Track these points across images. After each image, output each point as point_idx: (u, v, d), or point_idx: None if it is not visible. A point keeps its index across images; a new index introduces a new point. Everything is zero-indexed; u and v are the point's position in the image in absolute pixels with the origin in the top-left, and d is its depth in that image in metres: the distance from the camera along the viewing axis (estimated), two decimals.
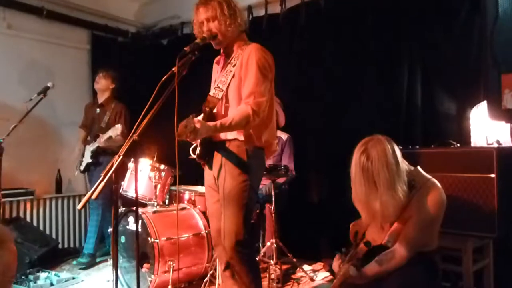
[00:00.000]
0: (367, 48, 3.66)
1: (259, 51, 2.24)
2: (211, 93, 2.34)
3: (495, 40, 2.03)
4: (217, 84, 2.33)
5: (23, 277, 3.34)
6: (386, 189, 1.92)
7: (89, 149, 4.09)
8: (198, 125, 2.00)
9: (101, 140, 3.90)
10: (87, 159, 4.08)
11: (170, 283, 2.98)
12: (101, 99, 4.25)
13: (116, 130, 3.73)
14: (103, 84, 4.20)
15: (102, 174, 2.12)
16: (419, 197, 1.98)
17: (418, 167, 2.11)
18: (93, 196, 2.02)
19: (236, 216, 2.17)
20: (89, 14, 5.09)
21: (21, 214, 4.24)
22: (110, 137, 3.78)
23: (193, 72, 2.41)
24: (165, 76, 2.37)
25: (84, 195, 3.92)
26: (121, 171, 3.47)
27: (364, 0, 3.69)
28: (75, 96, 4.77)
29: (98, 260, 4.10)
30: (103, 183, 2.07)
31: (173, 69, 2.38)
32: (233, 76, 2.27)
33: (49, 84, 3.63)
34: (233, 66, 2.29)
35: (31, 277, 3.32)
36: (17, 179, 4.24)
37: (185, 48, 2.38)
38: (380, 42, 3.58)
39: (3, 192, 3.24)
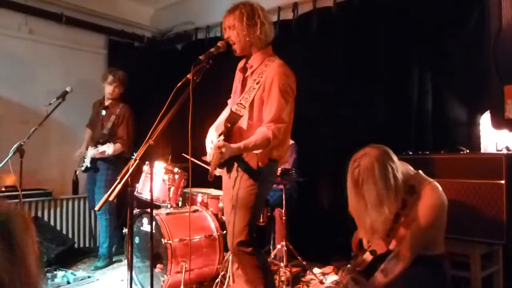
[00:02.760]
0: (378, 54, 3.70)
1: (282, 75, 2.28)
2: (233, 109, 2.41)
3: (499, 51, 2.06)
4: (240, 101, 2.39)
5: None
6: (373, 205, 1.95)
7: (90, 152, 4.08)
8: (224, 150, 2.15)
9: (96, 153, 3.95)
10: (87, 162, 4.10)
11: (182, 284, 3.06)
12: (107, 101, 4.29)
13: (109, 149, 3.82)
14: (109, 90, 4.22)
15: (119, 177, 2.20)
16: (419, 201, 2.01)
17: (420, 171, 2.13)
18: (111, 198, 2.11)
19: (241, 218, 2.30)
20: (106, 19, 5.23)
21: (39, 214, 4.37)
22: (103, 152, 3.87)
23: (209, 78, 2.48)
24: (180, 83, 2.46)
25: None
26: (136, 173, 3.58)
27: (375, 8, 3.73)
28: (91, 99, 4.87)
29: (114, 260, 4.19)
30: (120, 186, 2.16)
31: (188, 76, 2.47)
32: (255, 95, 2.33)
33: (67, 89, 3.74)
34: (257, 83, 2.34)
35: (48, 275, 3.43)
36: (36, 180, 4.37)
37: (200, 57, 2.46)
38: (391, 49, 3.62)
39: (22, 192, 3.34)
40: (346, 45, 3.91)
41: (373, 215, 1.96)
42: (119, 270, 3.86)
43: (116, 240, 4.31)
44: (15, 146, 3.31)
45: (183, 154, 3.02)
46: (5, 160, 3.25)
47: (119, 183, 2.16)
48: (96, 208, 2.24)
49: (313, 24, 4.12)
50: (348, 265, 2.23)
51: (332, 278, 3.54)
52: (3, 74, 4.34)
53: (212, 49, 2.46)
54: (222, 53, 2.51)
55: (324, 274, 3.64)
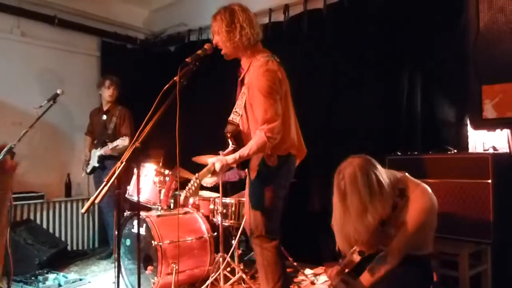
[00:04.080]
0: (367, 56, 3.71)
1: (261, 76, 2.31)
2: (230, 118, 2.48)
3: (477, 53, 2.09)
4: (235, 108, 2.47)
5: (32, 277, 3.45)
6: (356, 215, 1.96)
7: (96, 153, 4.28)
8: (217, 166, 2.27)
9: (108, 148, 4.11)
10: (94, 162, 4.28)
11: (172, 285, 3.07)
12: (106, 105, 4.46)
13: (124, 142, 3.96)
14: (109, 93, 4.39)
15: (105, 179, 2.22)
16: (410, 204, 2.03)
17: (406, 174, 2.15)
18: (97, 201, 2.12)
19: (257, 215, 2.40)
20: (99, 22, 5.24)
21: (32, 217, 4.37)
22: (116, 147, 4.01)
23: (199, 80, 2.51)
24: (167, 85, 2.48)
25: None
26: (127, 176, 3.60)
27: (365, 9, 3.74)
28: (85, 101, 4.89)
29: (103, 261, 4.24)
30: (106, 188, 2.17)
31: (175, 78, 2.49)
32: (246, 101, 2.40)
33: (58, 91, 3.75)
34: (246, 88, 2.41)
35: (40, 278, 3.43)
36: (28, 182, 4.37)
37: (186, 59, 2.49)
38: (380, 50, 3.63)
39: (14, 195, 3.35)
40: (336, 47, 3.93)
41: (357, 224, 1.98)
42: (111, 272, 3.87)
43: (109, 242, 4.34)
44: (6, 148, 3.31)
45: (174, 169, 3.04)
46: None
47: (105, 184, 2.17)
48: (83, 211, 2.26)
49: (304, 25, 4.14)
50: (336, 266, 2.24)
51: (323, 278, 3.55)
52: None
53: (199, 52, 2.50)
54: (211, 55, 2.54)
55: (315, 274, 3.65)
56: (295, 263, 3.51)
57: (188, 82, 2.57)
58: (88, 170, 4.34)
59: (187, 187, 2.34)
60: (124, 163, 2.20)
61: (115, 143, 4.08)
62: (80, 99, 4.86)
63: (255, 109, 2.35)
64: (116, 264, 2.25)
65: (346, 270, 2.19)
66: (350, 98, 3.82)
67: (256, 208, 2.43)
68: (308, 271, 3.68)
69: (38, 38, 4.75)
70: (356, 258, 2.14)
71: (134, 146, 2.24)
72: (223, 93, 3.30)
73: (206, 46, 2.53)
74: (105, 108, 4.45)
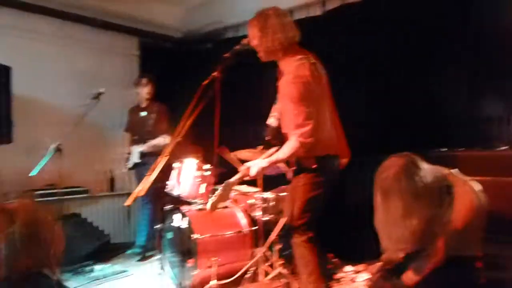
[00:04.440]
0: (410, 48, 3.61)
1: (290, 83, 2.35)
2: (268, 121, 2.60)
3: None
4: (273, 111, 2.58)
5: (79, 268, 3.61)
6: (400, 218, 1.89)
7: (137, 149, 4.39)
8: (253, 172, 2.41)
9: (149, 146, 4.29)
10: (135, 158, 4.40)
11: (212, 278, 3.11)
12: (144, 103, 4.57)
13: (164, 140, 4.14)
14: (146, 90, 4.50)
15: (148, 174, 2.28)
16: (456, 202, 1.95)
17: (455, 170, 2.07)
18: (141, 194, 2.18)
19: (293, 210, 2.46)
20: (138, 22, 5.36)
21: (77, 211, 4.54)
22: (156, 145, 4.18)
23: (238, 76, 2.56)
24: (206, 81, 2.52)
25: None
26: (167, 170, 3.68)
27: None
28: (125, 100, 5.03)
29: (149, 253, 4.32)
30: (149, 181, 2.23)
31: (213, 74, 2.54)
32: (280, 105, 2.50)
33: (101, 90, 3.89)
34: (279, 93, 2.48)
35: (86, 269, 3.58)
36: (73, 178, 4.54)
37: (225, 55, 2.54)
38: (423, 43, 3.52)
39: (62, 190, 3.51)
40: (373, 41, 3.84)
41: (400, 227, 1.92)
42: (154, 264, 3.96)
43: (151, 235, 4.43)
44: (53, 146, 3.47)
45: (219, 148, 3.08)
46: (45, 160, 3.42)
47: (148, 178, 2.24)
48: (127, 203, 2.33)
49: (342, 19, 4.07)
50: (378, 263, 2.20)
51: (364, 276, 3.49)
52: (40, 77, 4.54)
53: (237, 47, 2.53)
54: (249, 51, 2.57)
55: (356, 272, 3.59)
56: (335, 260, 3.47)
57: (227, 77, 2.61)
58: (130, 166, 4.46)
59: (213, 195, 2.44)
60: (166, 157, 2.26)
61: (155, 141, 4.26)
62: (121, 98, 4.99)
63: (287, 115, 2.40)
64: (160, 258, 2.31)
65: (388, 268, 2.15)
66: (391, 92, 3.73)
67: (293, 204, 2.48)
68: (348, 268, 3.62)
69: (80, 40, 4.92)
70: (399, 255, 2.09)
71: (176, 140, 2.29)
72: (263, 88, 3.31)
73: (244, 41, 2.56)
74: (143, 106, 4.56)
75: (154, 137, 4.38)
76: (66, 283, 3.39)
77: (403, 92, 3.69)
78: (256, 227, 3.43)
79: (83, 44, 4.95)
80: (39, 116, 4.44)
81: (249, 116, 4.20)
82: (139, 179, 4.39)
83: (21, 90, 4.08)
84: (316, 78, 2.41)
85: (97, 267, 3.67)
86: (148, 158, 4.32)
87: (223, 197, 2.50)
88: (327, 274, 2.52)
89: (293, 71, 2.37)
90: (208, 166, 3.64)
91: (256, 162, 2.45)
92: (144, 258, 4.25)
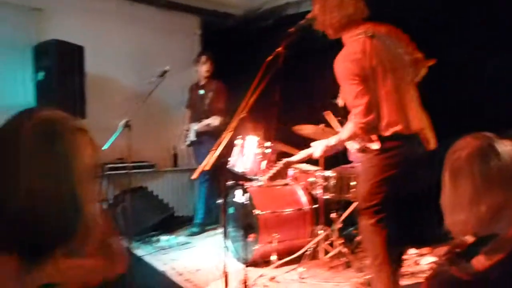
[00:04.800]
0: (479, 23, 3.34)
1: (339, 62, 2.29)
2: (337, 101, 2.58)
3: None
4: (339, 92, 2.53)
5: (146, 238, 3.82)
6: (468, 204, 1.76)
7: (194, 127, 4.50)
8: (317, 153, 2.44)
9: (202, 125, 4.38)
10: (192, 136, 4.50)
11: (273, 253, 3.16)
12: (202, 81, 4.61)
13: (215, 121, 4.22)
14: (205, 68, 4.54)
15: (213, 149, 2.33)
16: None
17: None
18: (206, 168, 2.24)
19: (361, 191, 2.42)
20: (200, 1, 5.41)
21: (144, 185, 4.78)
22: (208, 125, 4.28)
23: (303, 52, 2.51)
24: (270, 57, 2.50)
25: (195, 168, 4.32)
26: (229, 146, 3.74)
27: None
28: (187, 78, 5.15)
29: (208, 227, 4.46)
30: (214, 156, 2.28)
31: (278, 49, 2.51)
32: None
33: (166, 68, 3.99)
34: None
35: (153, 239, 3.78)
36: (141, 153, 4.76)
37: (289, 30, 2.50)
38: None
39: (130, 164, 3.69)
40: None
41: (468, 212, 1.82)
42: (216, 238, 4.10)
43: (212, 210, 4.56)
44: (123, 121, 3.64)
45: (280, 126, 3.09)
46: (115, 135, 3.60)
47: (212, 154, 2.29)
48: (193, 177, 2.40)
49: None
50: (447, 246, 2.10)
51: (428, 259, 3.37)
52: (110, 56, 4.75)
53: (302, 21, 2.47)
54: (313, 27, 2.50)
55: (420, 255, 3.48)
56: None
57: (292, 52, 2.57)
58: (187, 143, 4.56)
59: (271, 170, 2.45)
60: (231, 132, 2.28)
61: (206, 121, 4.35)
62: (184, 76, 5.11)
63: (344, 94, 2.37)
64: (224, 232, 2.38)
65: (457, 251, 2.05)
66: (471, 71, 3.49)
67: (361, 185, 2.43)
68: (412, 250, 3.52)
69: (143, 20, 5.06)
70: (469, 239, 1.98)
71: (240, 116, 2.30)
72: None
73: (310, 15, 2.50)
74: (201, 84, 4.61)
75: (210, 116, 4.43)
76: (135, 251, 3.63)
77: (478, 70, 3.44)
78: (317, 205, 3.42)
79: (148, 24, 5.09)
80: (109, 93, 4.67)
81: (314, 92, 4.14)
82: (196, 156, 4.56)
83: (93, 69, 4.31)
84: (368, 53, 2.28)
85: (163, 237, 3.85)
86: (204, 137, 4.40)
87: (280, 174, 2.52)
88: (396, 259, 2.42)
89: (343, 50, 2.32)
90: (269, 143, 3.66)
91: (320, 143, 2.43)
92: (203, 231, 4.39)
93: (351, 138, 2.35)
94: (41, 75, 4.06)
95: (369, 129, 2.27)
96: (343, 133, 2.37)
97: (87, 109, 4.12)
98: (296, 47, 2.58)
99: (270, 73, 2.53)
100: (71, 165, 0.78)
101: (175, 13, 5.30)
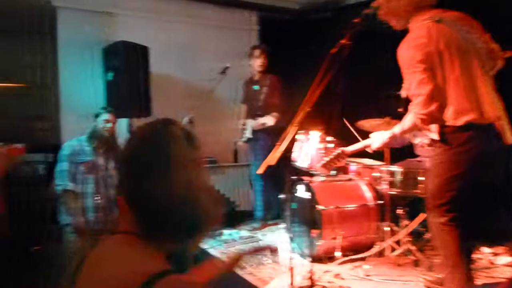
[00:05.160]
0: None
1: (401, 50, 2.21)
2: (400, 92, 2.48)
3: None
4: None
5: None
6: None
7: (249, 124, 4.46)
8: (374, 145, 2.42)
9: (257, 124, 4.31)
10: (248, 133, 4.46)
11: (337, 249, 3.11)
12: (256, 75, 4.51)
13: (269, 121, 4.13)
14: (259, 62, 4.42)
15: (278, 144, 2.33)
16: None
17: None
18: (272, 163, 2.24)
19: (430, 187, 2.32)
20: None
21: None
22: (263, 124, 4.21)
23: (367, 43, 2.44)
24: (334, 49, 2.45)
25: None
26: (291, 141, 3.73)
27: None
28: (246, 74, 5.19)
29: (269, 222, 4.47)
30: (279, 151, 2.27)
31: (342, 41, 2.45)
32: None
33: (227, 65, 4.06)
34: None
35: (216, 232, 3.85)
36: (203, 149, 4.87)
37: (354, 20, 2.43)
38: None
39: None
40: None
41: None
42: (277, 232, 4.11)
43: (272, 204, 4.57)
44: (187, 118, 3.75)
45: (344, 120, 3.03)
46: None
47: (278, 148, 2.28)
48: (259, 171, 2.41)
49: None
50: None
51: (504, 259, 3.16)
52: (172, 55, 4.90)
53: (367, 10, 2.39)
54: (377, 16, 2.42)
55: (495, 254, 3.27)
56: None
57: (356, 44, 2.50)
58: (244, 139, 4.53)
59: (327, 157, 2.40)
60: (296, 126, 2.27)
61: (261, 120, 4.26)
62: (243, 72, 5.15)
63: (405, 84, 2.28)
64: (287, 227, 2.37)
65: None
66: None
67: (431, 181, 2.32)
68: (486, 249, 3.32)
69: (202, 18, 5.17)
70: None
71: (305, 111, 2.28)
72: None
73: (375, 4, 2.41)
74: (255, 78, 4.52)
75: (265, 112, 4.35)
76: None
77: None
78: (382, 201, 3.32)
79: (208, 22, 5.20)
80: (172, 91, 4.82)
81: (378, 85, 4.01)
82: (252, 154, 4.54)
83: (157, 68, 4.47)
84: (443, 36, 2.16)
85: (226, 231, 3.92)
86: (260, 134, 4.36)
87: (334, 162, 2.51)
88: (468, 258, 2.29)
89: (408, 35, 2.22)
90: (331, 138, 3.60)
91: (378, 135, 2.38)
92: (265, 226, 4.41)
93: (410, 129, 2.27)
94: (110, 75, 4.28)
95: (430, 120, 2.17)
96: (402, 125, 2.28)
97: (153, 106, 4.28)
98: (361, 37, 2.51)
99: (335, 65, 2.47)
100: (200, 161, 0.95)
101: (233, 10, 5.37)
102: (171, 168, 0.86)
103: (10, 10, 4.37)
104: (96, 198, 3.20)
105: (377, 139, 2.40)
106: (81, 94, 4.34)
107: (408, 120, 2.23)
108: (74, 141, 3.35)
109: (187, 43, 5.05)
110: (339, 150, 2.55)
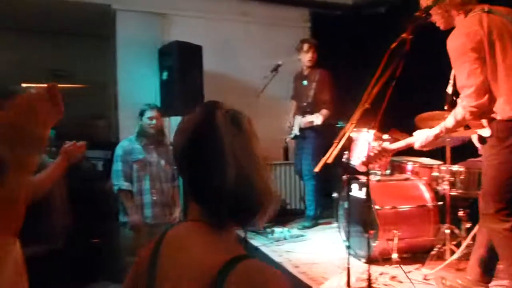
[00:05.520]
0: None
1: (450, 40, 2.14)
2: (447, 89, 2.40)
3: None
4: (451, 79, 2.36)
5: (261, 229, 3.91)
6: None
7: (298, 121, 4.37)
8: (417, 145, 2.35)
9: (305, 122, 4.21)
10: (296, 130, 4.37)
11: (393, 251, 3.01)
12: (305, 70, 4.41)
13: (318, 119, 4.03)
14: (308, 57, 4.31)
15: (336, 141, 2.28)
16: None
17: None
18: (329, 161, 2.21)
19: (485, 190, 2.21)
20: None
21: None
22: (312, 122, 4.11)
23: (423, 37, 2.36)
24: (395, 43, 2.38)
25: None
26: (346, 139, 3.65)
27: None
28: (298, 71, 5.15)
29: (320, 221, 4.42)
30: (337, 149, 2.23)
31: (403, 35, 2.37)
32: None
33: (279, 62, 4.04)
34: None
35: (268, 230, 3.86)
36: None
37: (416, 13, 2.36)
38: None
39: None
40: None
41: None
42: (329, 232, 4.05)
43: (322, 203, 4.51)
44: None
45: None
46: None
47: (335, 146, 2.24)
48: (316, 170, 2.38)
49: None
50: None
51: None
52: (225, 53, 4.97)
53: (428, 3, 2.31)
54: None
55: None
56: None
57: (415, 37, 2.42)
58: (291, 136, 4.44)
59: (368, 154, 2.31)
60: (353, 124, 2.22)
61: (310, 118, 4.15)
62: (295, 70, 5.12)
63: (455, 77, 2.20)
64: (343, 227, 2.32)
65: None
66: None
67: (488, 183, 2.18)
68: None
69: (254, 15, 5.21)
70: None
71: (363, 108, 2.23)
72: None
73: None
74: (305, 73, 4.41)
75: (314, 108, 4.25)
76: (251, 241, 3.76)
77: None
78: (442, 202, 3.17)
79: (259, 20, 5.24)
80: (225, 89, 4.85)
81: (438, 79, 3.86)
82: (298, 151, 4.46)
83: (210, 66, 4.55)
84: (495, 25, 2.07)
85: (277, 229, 3.92)
86: (308, 131, 4.27)
87: (374, 159, 2.48)
88: None
89: (458, 26, 2.16)
90: (386, 136, 3.49)
91: (422, 134, 2.31)
92: (315, 225, 4.35)
93: (459, 124, 2.17)
94: (165, 74, 4.41)
95: (480, 113, 2.07)
96: (449, 120, 2.18)
97: None
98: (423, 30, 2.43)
99: (395, 60, 2.40)
100: (253, 145, 0.92)
101: (284, 7, 5.37)
102: (219, 156, 0.86)
103: (73, 14, 4.63)
104: (152, 194, 3.29)
105: (421, 137, 2.32)
106: (138, 93, 4.49)
107: (456, 114, 2.13)
108: (125, 141, 3.42)
109: (239, 41, 5.11)
110: (379, 147, 2.46)
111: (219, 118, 0.89)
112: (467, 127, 2.49)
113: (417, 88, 4.10)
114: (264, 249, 3.64)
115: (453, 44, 2.13)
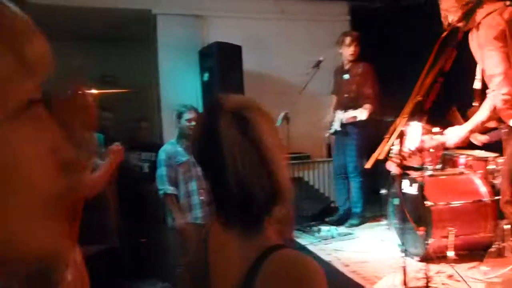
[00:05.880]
0: None
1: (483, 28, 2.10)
2: (474, 86, 2.38)
3: None
4: (477, 75, 2.34)
5: (307, 228, 3.88)
6: None
7: (339, 115, 4.24)
8: (450, 143, 2.38)
9: (348, 117, 4.07)
10: (336, 125, 4.24)
11: (449, 249, 2.89)
12: (347, 64, 4.28)
13: (362, 114, 3.89)
14: (349, 51, 4.19)
15: (386, 136, 2.22)
16: None
17: None
18: (381, 157, 2.14)
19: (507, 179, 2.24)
20: None
21: (300, 175, 4.86)
22: (355, 117, 3.97)
23: None
24: (445, 33, 2.29)
25: None
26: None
27: None
28: (338, 66, 5.06)
29: (368, 219, 4.32)
30: (389, 144, 2.16)
31: (453, 24, 2.29)
32: None
33: (321, 58, 3.98)
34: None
35: (314, 228, 3.82)
36: (296, 144, 4.85)
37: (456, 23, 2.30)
38: None
39: (290, 155, 3.78)
40: None
41: None
42: (377, 229, 3.95)
43: (369, 200, 4.39)
44: (282, 114, 3.75)
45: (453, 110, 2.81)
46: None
47: (386, 141, 2.17)
48: (367, 166, 2.31)
49: None
50: None
51: None
52: (264, 52, 4.95)
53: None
54: None
55: None
56: None
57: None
58: (331, 131, 4.33)
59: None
60: (405, 118, 2.15)
61: (353, 113, 4.01)
62: (336, 64, 5.03)
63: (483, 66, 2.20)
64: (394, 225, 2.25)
65: None
66: None
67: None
68: None
69: (294, 13, 5.16)
70: None
71: (416, 100, 2.15)
72: None
73: None
74: (346, 67, 4.29)
75: (356, 103, 4.13)
76: (298, 240, 3.72)
77: None
78: (499, 196, 3.01)
79: (298, 16, 5.19)
80: (266, 87, 4.85)
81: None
82: (337, 147, 4.36)
83: (250, 66, 4.55)
84: None
85: (324, 227, 3.87)
86: (350, 127, 4.15)
87: (404, 157, 2.42)
88: None
89: (482, 19, 2.13)
90: (437, 129, 3.36)
91: (454, 131, 2.30)
92: (363, 222, 4.24)
93: (490, 117, 2.14)
94: (206, 75, 4.45)
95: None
96: (480, 114, 2.16)
97: None
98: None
99: (445, 51, 2.30)
100: (262, 145, 0.87)
101: (323, 3, 5.28)
102: (220, 164, 0.86)
103: (116, 21, 4.76)
104: (200, 194, 3.31)
105: (453, 135, 2.25)
106: (180, 95, 4.54)
107: (487, 106, 2.10)
108: (167, 145, 3.42)
109: (279, 39, 5.07)
110: (433, 142, 2.40)
111: (221, 125, 0.87)
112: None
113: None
114: (311, 247, 3.59)
115: (480, 39, 2.13)
